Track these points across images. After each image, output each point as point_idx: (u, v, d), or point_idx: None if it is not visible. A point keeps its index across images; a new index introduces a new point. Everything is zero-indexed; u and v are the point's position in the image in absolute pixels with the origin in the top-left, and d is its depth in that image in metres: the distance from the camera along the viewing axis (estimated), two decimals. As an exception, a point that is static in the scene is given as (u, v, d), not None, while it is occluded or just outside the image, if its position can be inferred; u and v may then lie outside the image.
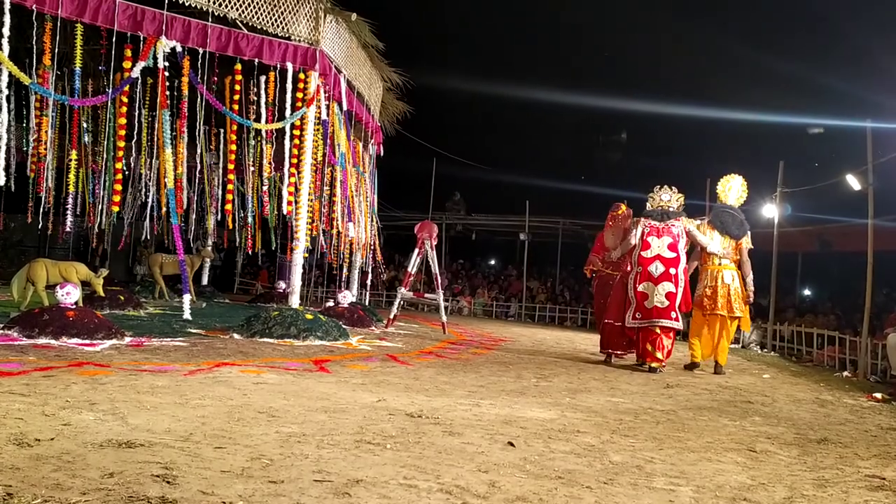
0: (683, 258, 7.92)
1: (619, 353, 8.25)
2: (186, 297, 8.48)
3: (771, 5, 19.71)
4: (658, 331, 7.64)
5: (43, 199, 9.18)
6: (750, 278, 8.12)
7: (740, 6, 20.21)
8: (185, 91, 7.97)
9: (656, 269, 7.78)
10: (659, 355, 7.61)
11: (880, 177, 8.80)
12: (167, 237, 13.59)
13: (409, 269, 11.39)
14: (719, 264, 8.09)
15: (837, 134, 12.59)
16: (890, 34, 14.41)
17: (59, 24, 7.24)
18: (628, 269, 8.17)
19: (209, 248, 14.45)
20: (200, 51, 7.86)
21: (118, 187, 7.93)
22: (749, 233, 8.24)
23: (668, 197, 8.20)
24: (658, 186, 8.32)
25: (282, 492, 2.53)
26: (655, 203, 8.23)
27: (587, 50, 21.59)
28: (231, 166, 9.56)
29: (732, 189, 8.38)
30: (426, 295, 12.53)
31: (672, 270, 7.76)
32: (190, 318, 8.36)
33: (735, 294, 8.00)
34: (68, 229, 9.44)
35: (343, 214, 9.97)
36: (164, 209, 11.40)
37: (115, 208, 8.19)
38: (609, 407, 5.00)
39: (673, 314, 7.68)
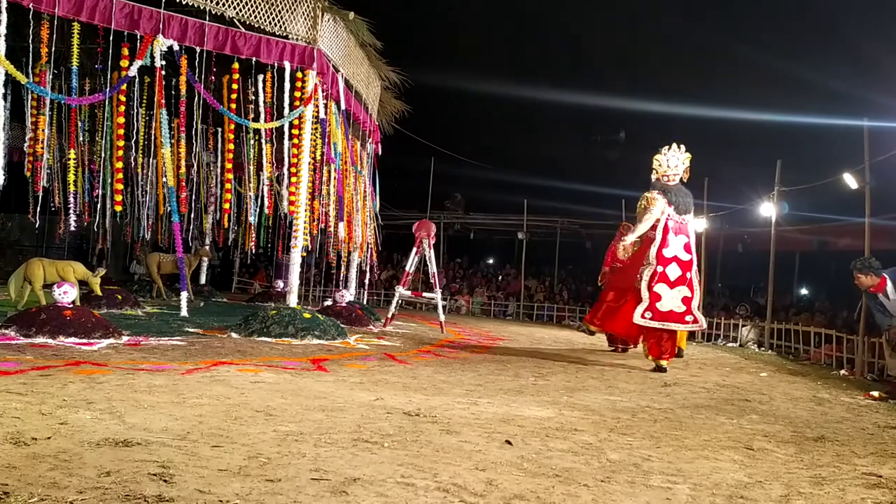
0: (695, 259, 7.71)
1: (629, 345, 9.15)
2: (184, 295, 8.47)
3: (769, 5, 19.72)
4: (666, 334, 7.50)
5: (40, 198, 9.19)
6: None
7: (738, 5, 20.22)
8: (183, 90, 7.97)
9: (673, 272, 7.47)
10: (666, 356, 7.52)
11: (877, 175, 8.80)
12: (161, 236, 13.57)
13: (408, 268, 11.39)
14: None
15: (835, 133, 12.61)
16: (887, 33, 14.43)
17: (56, 22, 7.23)
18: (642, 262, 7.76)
19: (207, 248, 14.45)
20: (198, 49, 7.85)
21: (119, 186, 7.93)
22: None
23: (676, 162, 7.82)
24: (667, 147, 7.92)
25: (279, 490, 2.53)
26: (661, 171, 7.88)
27: (586, 49, 21.58)
28: (229, 165, 9.56)
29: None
30: (424, 294, 12.53)
31: (688, 275, 7.51)
32: (187, 315, 8.36)
33: None
34: (73, 228, 9.44)
35: (336, 214, 9.98)
36: (161, 209, 11.42)
37: (118, 208, 8.19)
38: (607, 405, 5.00)
39: (689, 318, 7.48)
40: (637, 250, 8.53)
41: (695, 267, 7.68)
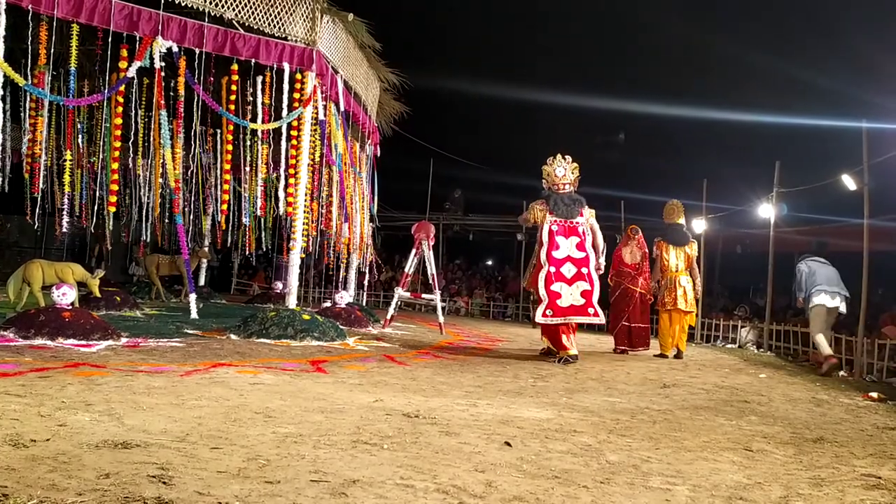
0: (592, 256, 8.20)
1: (637, 348, 9.82)
2: (193, 297, 8.49)
3: (767, 6, 19.75)
4: (573, 326, 8.02)
5: (39, 199, 9.19)
6: (698, 281, 9.82)
7: (737, 7, 20.25)
8: (182, 91, 7.96)
9: (569, 270, 8.03)
10: (573, 351, 7.89)
11: (876, 177, 8.80)
12: (160, 237, 13.55)
13: (407, 270, 11.40)
14: (676, 271, 9.60)
15: (833, 134, 12.63)
16: (886, 34, 14.45)
17: (55, 24, 7.22)
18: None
19: (206, 249, 14.44)
20: (197, 51, 7.85)
21: (114, 187, 7.92)
22: (695, 244, 9.89)
23: (563, 171, 8.37)
24: (552, 158, 8.45)
25: (278, 492, 2.53)
26: (550, 180, 8.39)
27: (584, 50, 21.60)
28: (227, 167, 9.55)
29: (679, 212, 9.97)
30: (423, 295, 12.53)
31: (584, 270, 8.06)
32: (197, 316, 8.37)
33: (686, 294, 9.54)
34: (65, 230, 9.43)
35: (339, 215, 9.97)
36: (158, 210, 11.41)
37: (112, 209, 8.18)
38: (606, 407, 5.01)
39: (591, 310, 7.98)
40: (640, 258, 9.99)
41: (593, 263, 8.16)
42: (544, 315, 7.90)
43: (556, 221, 8.15)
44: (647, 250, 10.13)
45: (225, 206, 9.58)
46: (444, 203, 21.54)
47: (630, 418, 4.59)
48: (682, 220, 10.02)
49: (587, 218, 8.34)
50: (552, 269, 7.97)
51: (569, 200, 8.24)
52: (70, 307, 6.75)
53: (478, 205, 21.91)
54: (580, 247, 8.12)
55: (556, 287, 7.91)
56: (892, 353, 8.32)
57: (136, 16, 7.49)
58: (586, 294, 7.94)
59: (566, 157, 8.43)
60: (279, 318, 7.84)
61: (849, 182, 9.22)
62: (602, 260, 8.49)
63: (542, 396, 5.30)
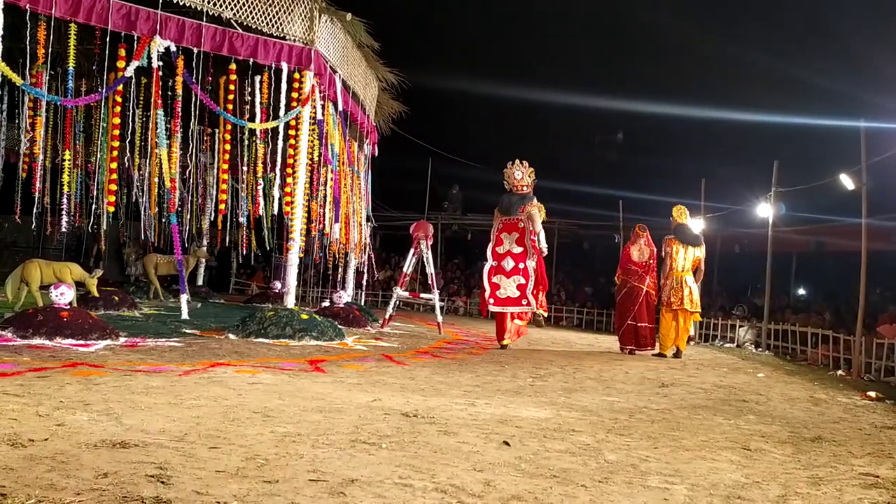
0: (531, 250, 9.03)
1: (644, 348, 9.67)
2: (183, 298, 8.46)
3: (766, 5, 19.77)
4: (509, 316, 8.96)
5: (36, 199, 9.17)
6: (700, 282, 9.93)
7: (736, 7, 20.26)
8: (179, 91, 7.95)
9: (507, 264, 9.01)
10: (507, 336, 9.02)
11: (874, 176, 8.82)
12: (157, 237, 13.54)
13: (405, 269, 11.39)
14: (682, 271, 9.66)
15: (832, 133, 12.64)
16: (884, 34, 14.47)
17: (52, 23, 7.21)
18: (645, 280, 9.58)
19: (203, 249, 14.42)
20: (195, 50, 7.84)
21: (113, 187, 7.90)
22: (703, 246, 9.88)
23: (521, 175, 9.38)
24: (510, 163, 9.46)
25: (277, 491, 2.53)
26: (511, 182, 9.38)
27: (584, 49, 21.60)
28: (225, 166, 9.54)
29: (685, 214, 10.14)
30: (422, 295, 12.52)
31: (521, 265, 9.02)
32: (187, 317, 8.36)
33: (692, 294, 9.58)
34: (63, 229, 9.42)
35: (332, 215, 9.96)
36: (155, 210, 11.39)
37: (111, 208, 8.17)
38: (604, 406, 5.01)
39: (524, 301, 9.00)
40: (648, 256, 9.94)
41: (530, 257, 9.03)
42: (487, 302, 9.15)
43: (502, 220, 9.19)
44: (655, 249, 10.07)
45: (223, 206, 9.57)
46: (443, 202, 21.52)
47: (628, 417, 4.59)
48: (687, 221, 10.11)
49: (528, 211, 9.10)
50: (494, 264, 9.11)
51: (514, 199, 9.19)
52: (68, 307, 6.74)
53: (476, 204, 21.89)
54: (520, 242, 9.06)
55: (496, 279, 8.97)
56: (890, 353, 8.34)
57: (134, 15, 7.49)
58: (521, 287, 8.94)
59: (524, 162, 9.40)
60: (277, 318, 7.83)
61: (847, 182, 9.24)
62: (544, 245, 9.15)
63: (541, 396, 5.31)
